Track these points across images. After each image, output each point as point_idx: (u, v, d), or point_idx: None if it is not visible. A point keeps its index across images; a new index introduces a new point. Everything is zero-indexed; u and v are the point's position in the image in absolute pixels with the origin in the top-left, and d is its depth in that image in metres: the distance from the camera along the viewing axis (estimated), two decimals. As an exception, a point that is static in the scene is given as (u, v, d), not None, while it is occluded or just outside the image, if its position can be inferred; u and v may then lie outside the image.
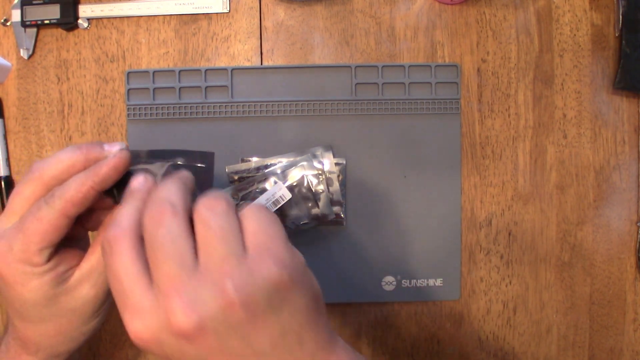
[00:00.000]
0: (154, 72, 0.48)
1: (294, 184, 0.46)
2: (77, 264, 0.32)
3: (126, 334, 0.25)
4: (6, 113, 0.49)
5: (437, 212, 0.48)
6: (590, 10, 0.49)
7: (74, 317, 0.33)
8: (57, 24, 0.48)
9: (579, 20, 0.49)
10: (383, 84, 0.48)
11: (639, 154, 0.49)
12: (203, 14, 0.49)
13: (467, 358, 0.49)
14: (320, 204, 0.46)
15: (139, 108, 0.48)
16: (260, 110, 0.48)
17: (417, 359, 0.49)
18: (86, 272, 0.32)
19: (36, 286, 0.30)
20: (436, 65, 0.48)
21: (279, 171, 0.46)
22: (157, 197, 0.27)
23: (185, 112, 0.48)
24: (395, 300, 0.48)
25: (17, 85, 0.49)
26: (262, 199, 0.45)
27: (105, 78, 0.49)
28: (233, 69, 0.48)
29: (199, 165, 0.35)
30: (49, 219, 0.29)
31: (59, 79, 0.49)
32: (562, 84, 0.49)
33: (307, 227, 0.46)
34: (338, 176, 0.47)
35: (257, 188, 0.46)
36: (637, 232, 0.49)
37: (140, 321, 0.25)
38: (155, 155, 0.34)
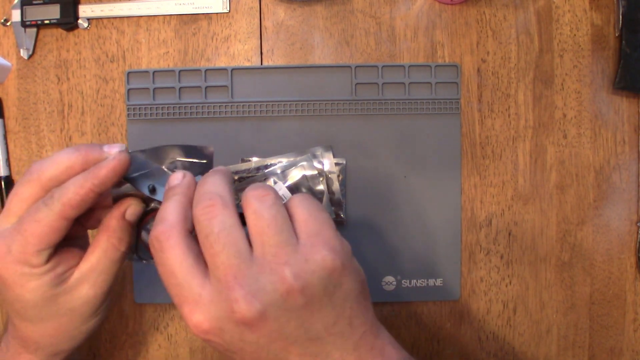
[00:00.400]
0: (154, 72, 0.48)
1: (294, 184, 0.46)
2: (76, 264, 0.32)
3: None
4: (6, 113, 0.49)
5: (437, 212, 0.48)
6: (590, 10, 0.49)
7: (74, 317, 0.33)
8: (57, 24, 0.48)
9: (579, 20, 0.49)
10: (383, 84, 0.48)
11: (639, 154, 0.49)
12: (203, 14, 0.49)
13: (467, 358, 0.49)
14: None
15: (139, 108, 0.48)
16: (260, 110, 0.48)
17: (417, 359, 0.49)
18: (85, 272, 0.32)
19: (35, 287, 0.30)
20: (436, 65, 0.48)
21: (279, 171, 0.46)
22: (205, 191, 0.28)
23: (185, 112, 0.48)
24: (395, 300, 0.48)
25: (17, 85, 0.49)
26: None
27: (105, 78, 0.49)
28: (233, 69, 0.48)
29: (202, 161, 0.35)
30: (48, 221, 0.29)
31: (59, 79, 0.49)
32: (562, 84, 0.49)
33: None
34: (338, 176, 0.47)
35: None
36: (637, 232, 0.49)
37: (200, 313, 0.25)
38: (156, 155, 0.34)
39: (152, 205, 0.35)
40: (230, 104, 0.48)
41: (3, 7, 0.49)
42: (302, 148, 0.48)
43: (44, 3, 0.47)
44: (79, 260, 0.32)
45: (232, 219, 0.26)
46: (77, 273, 0.32)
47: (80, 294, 0.32)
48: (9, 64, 0.49)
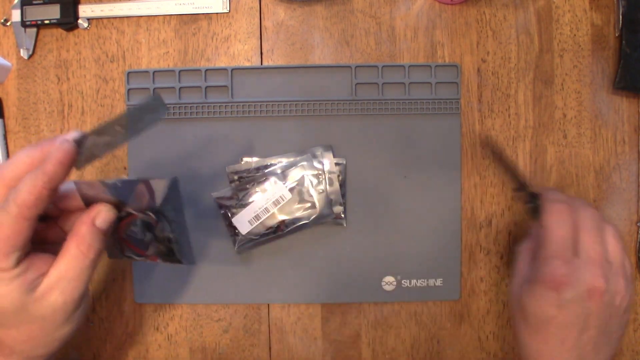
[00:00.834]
0: (154, 72, 0.48)
1: (294, 184, 0.46)
2: (47, 271, 0.32)
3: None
4: (6, 113, 0.49)
5: (437, 212, 0.48)
6: (590, 10, 0.49)
7: (45, 324, 0.32)
8: (57, 24, 0.48)
9: (579, 20, 0.49)
10: (383, 84, 0.48)
11: (639, 154, 0.49)
12: (203, 14, 0.49)
13: (467, 358, 0.49)
14: (320, 204, 0.46)
15: (139, 108, 0.48)
16: (260, 110, 0.48)
17: (417, 359, 0.49)
18: (55, 280, 0.31)
19: (4, 293, 0.30)
20: (436, 65, 0.48)
21: (279, 171, 0.46)
22: (578, 202, 0.39)
23: (185, 112, 0.48)
24: (395, 300, 0.48)
25: (17, 85, 0.49)
26: (261, 199, 0.45)
27: (105, 78, 0.49)
28: (233, 69, 0.48)
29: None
30: (8, 224, 0.29)
31: (59, 79, 0.49)
32: (562, 84, 0.49)
33: (307, 228, 0.46)
34: (338, 176, 0.47)
35: (257, 188, 0.46)
36: (637, 232, 0.49)
37: (569, 272, 0.35)
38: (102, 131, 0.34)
39: (125, 210, 0.35)
40: (230, 104, 0.48)
41: (3, 7, 0.49)
42: (302, 148, 0.48)
43: (44, 3, 0.47)
44: (46, 268, 0.32)
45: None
46: (47, 280, 0.31)
47: (49, 301, 0.31)
48: (9, 64, 0.49)
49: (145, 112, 0.34)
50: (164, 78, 0.48)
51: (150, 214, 0.35)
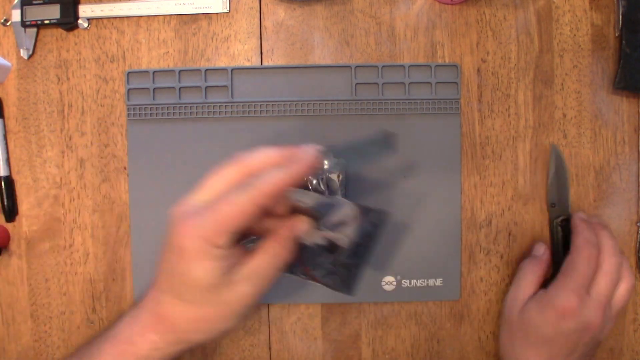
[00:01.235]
0: (154, 72, 0.48)
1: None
2: (240, 262, 0.33)
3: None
4: (6, 113, 0.49)
5: (437, 212, 0.48)
6: (590, 10, 0.49)
7: (224, 310, 0.33)
8: (57, 24, 0.48)
9: (579, 20, 0.49)
10: (383, 84, 0.48)
11: (639, 154, 0.49)
12: (203, 14, 0.49)
13: (467, 358, 0.49)
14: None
15: (139, 108, 0.48)
16: (260, 110, 0.48)
17: (417, 359, 0.49)
18: (250, 271, 0.33)
19: (209, 267, 0.31)
20: (436, 65, 0.48)
21: (279, 171, 0.46)
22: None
23: (185, 112, 0.48)
24: (395, 300, 0.48)
25: (17, 85, 0.49)
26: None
27: (105, 78, 0.49)
28: (233, 69, 0.48)
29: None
30: (242, 204, 0.31)
31: (59, 79, 0.49)
32: (562, 84, 0.49)
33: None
34: (338, 176, 0.47)
35: None
36: (637, 232, 0.49)
37: (579, 307, 0.40)
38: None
39: (320, 227, 0.37)
40: (230, 104, 0.48)
41: (3, 7, 0.49)
42: (302, 148, 0.48)
43: (44, 3, 0.47)
44: (243, 259, 0.33)
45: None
46: (245, 269, 0.33)
47: (239, 289, 0.33)
48: (9, 64, 0.49)
49: (373, 146, 0.36)
50: (164, 78, 0.48)
51: (344, 237, 0.36)
